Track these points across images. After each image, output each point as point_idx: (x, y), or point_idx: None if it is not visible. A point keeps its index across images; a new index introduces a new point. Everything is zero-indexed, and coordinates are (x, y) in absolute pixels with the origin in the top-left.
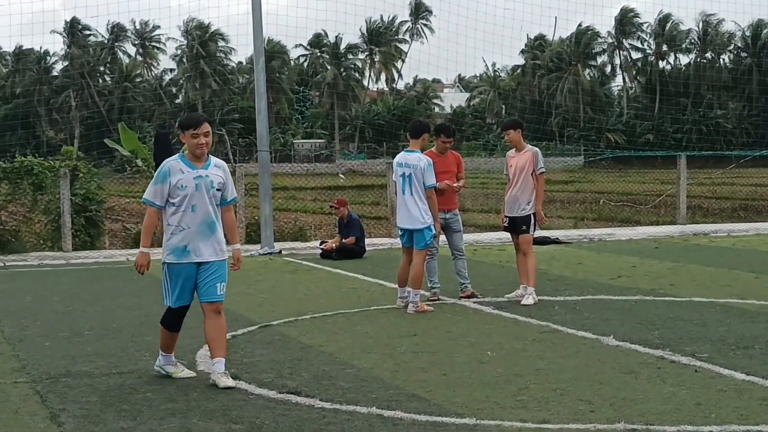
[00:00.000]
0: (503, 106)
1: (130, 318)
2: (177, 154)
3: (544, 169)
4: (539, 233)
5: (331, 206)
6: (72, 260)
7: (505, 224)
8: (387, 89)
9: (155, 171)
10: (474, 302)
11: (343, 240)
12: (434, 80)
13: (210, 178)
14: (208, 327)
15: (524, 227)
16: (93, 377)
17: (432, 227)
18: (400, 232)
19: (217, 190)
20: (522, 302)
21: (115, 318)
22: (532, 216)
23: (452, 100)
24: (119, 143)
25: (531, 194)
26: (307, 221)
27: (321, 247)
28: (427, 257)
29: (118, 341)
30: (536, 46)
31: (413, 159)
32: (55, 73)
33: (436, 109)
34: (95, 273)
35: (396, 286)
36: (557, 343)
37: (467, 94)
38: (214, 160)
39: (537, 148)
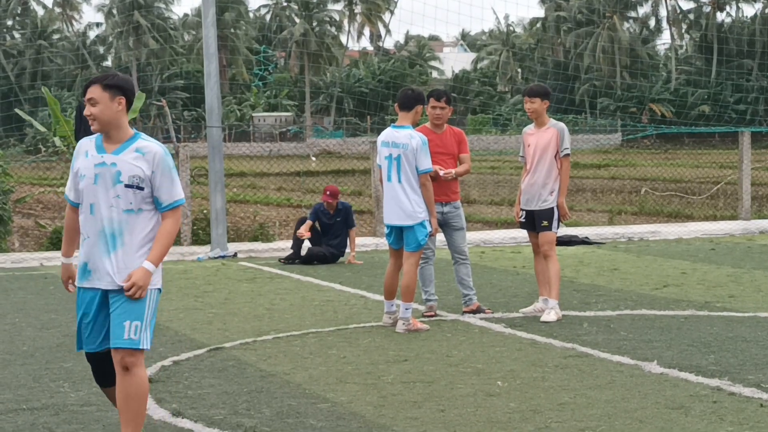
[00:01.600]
0: (519, 70)
1: (44, 339)
2: None
3: (569, 151)
4: (564, 231)
5: (325, 202)
6: None
7: (521, 219)
8: (371, 49)
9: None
10: (481, 318)
11: (328, 245)
12: (431, 37)
13: (117, 168)
14: (116, 390)
15: (545, 223)
16: None
17: (426, 224)
18: (386, 231)
19: (129, 186)
20: (542, 318)
21: (24, 339)
22: (555, 209)
23: (454, 62)
24: (35, 116)
25: (554, 182)
26: (269, 216)
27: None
28: (421, 262)
29: (28, 369)
30: None
31: (403, 137)
32: None
33: (434, 74)
34: (0, 282)
35: (382, 298)
36: (585, 371)
37: (473, 55)
38: (138, 141)
39: (563, 124)
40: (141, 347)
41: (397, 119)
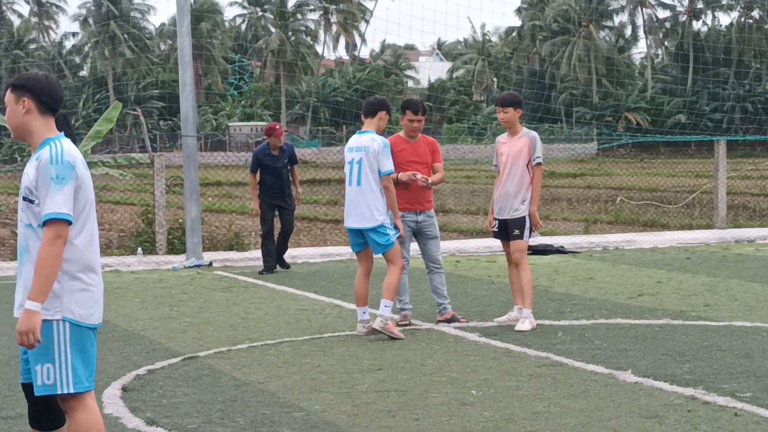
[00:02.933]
0: (495, 79)
1: (16, 348)
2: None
3: (541, 159)
4: (539, 240)
5: (271, 139)
6: None
7: (494, 229)
8: (347, 58)
9: None
10: (455, 327)
11: (284, 194)
12: (407, 46)
13: (23, 180)
14: None
15: (516, 232)
16: None
17: (388, 226)
18: (349, 235)
19: (24, 199)
20: (516, 328)
21: (0, 348)
22: (527, 218)
23: (430, 71)
24: None
25: (526, 191)
26: (245, 225)
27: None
28: None
29: (3, 378)
30: (536, 2)
31: (366, 140)
32: None
33: (410, 83)
34: None
35: (356, 307)
36: (560, 380)
37: (449, 64)
38: (43, 149)
39: (535, 133)
40: (59, 392)
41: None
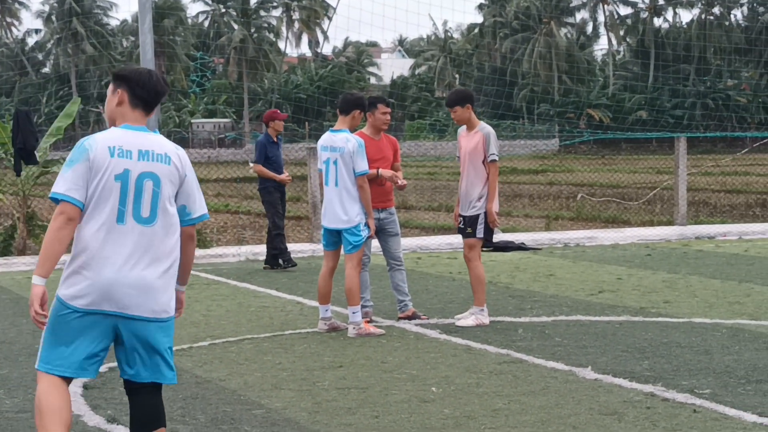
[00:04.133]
0: (457, 76)
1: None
2: None
3: (496, 156)
4: (500, 237)
5: (278, 122)
6: None
7: (460, 225)
8: (310, 55)
9: (13, 157)
10: (416, 324)
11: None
12: (369, 43)
13: None
14: None
15: (469, 229)
16: None
17: (362, 226)
18: (323, 233)
19: None
20: (458, 323)
21: None
22: (482, 215)
23: (392, 67)
24: None
25: (483, 187)
26: (206, 222)
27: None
28: None
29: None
30: None
31: (340, 140)
32: None
33: (372, 80)
34: None
35: (317, 304)
36: (520, 377)
37: (411, 61)
38: None
39: (491, 128)
40: (36, 367)
41: (335, 124)
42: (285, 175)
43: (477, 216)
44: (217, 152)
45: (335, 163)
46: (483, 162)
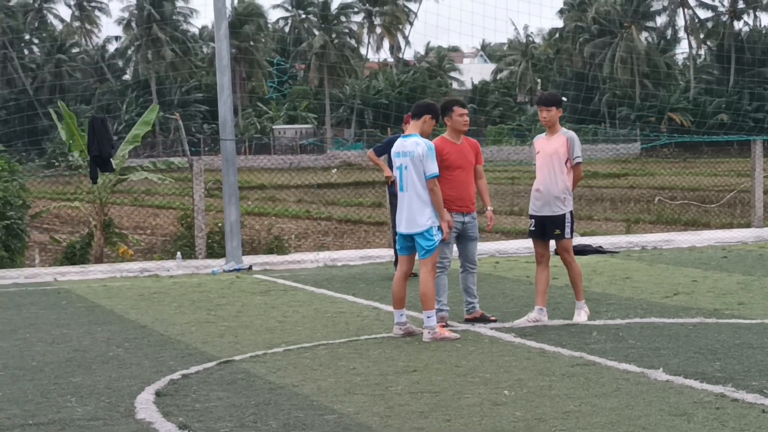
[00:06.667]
0: (538, 81)
1: (54, 354)
2: None
3: (581, 159)
4: (578, 240)
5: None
6: None
7: (531, 228)
8: (391, 60)
9: (89, 164)
10: (491, 328)
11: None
12: (451, 48)
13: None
14: None
15: (557, 231)
16: (3, 430)
17: (434, 230)
18: (398, 238)
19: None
20: (573, 320)
21: (34, 354)
22: (567, 216)
23: (474, 73)
24: (54, 131)
25: (564, 189)
26: (287, 228)
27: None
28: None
29: (37, 384)
30: (578, 3)
31: (410, 145)
32: None
33: (454, 85)
34: (12, 297)
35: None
36: (592, 379)
37: (493, 66)
38: None
39: (573, 133)
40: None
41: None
42: (389, 173)
43: (563, 216)
44: (299, 158)
45: (406, 168)
46: (566, 163)
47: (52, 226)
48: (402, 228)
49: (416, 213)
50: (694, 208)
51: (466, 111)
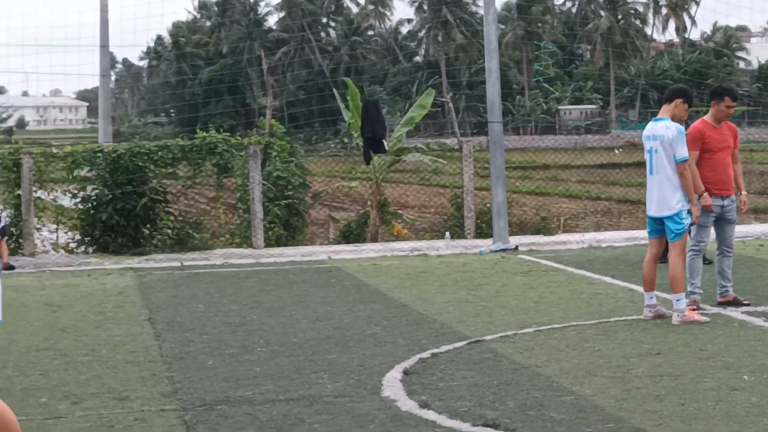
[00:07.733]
0: None
1: (315, 331)
2: None
3: None
4: None
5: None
6: (263, 259)
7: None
8: (677, 40)
9: (362, 146)
10: (743, 312)
11: None
12: (739, 27)
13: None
14: None
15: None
16: (254, 404)
17: (684, 213)
18: (648, 221)
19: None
20: None
21: (296, 331)
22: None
23: (760, 52)
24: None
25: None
26: (562, 209)
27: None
28: (691, 254)
29: (293, 360)
30: None
31: (660, 128)
32: (268, 26)
33: (741, 64)
34: (286, 275)
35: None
36: None
37: None
38: None
39: None
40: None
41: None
42: None
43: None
44: (584, 138)
45: (656, 151)
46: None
47: (342, 203)
48: (652, 211)
49: (667, 196)
50: None
51: (735, 104)
